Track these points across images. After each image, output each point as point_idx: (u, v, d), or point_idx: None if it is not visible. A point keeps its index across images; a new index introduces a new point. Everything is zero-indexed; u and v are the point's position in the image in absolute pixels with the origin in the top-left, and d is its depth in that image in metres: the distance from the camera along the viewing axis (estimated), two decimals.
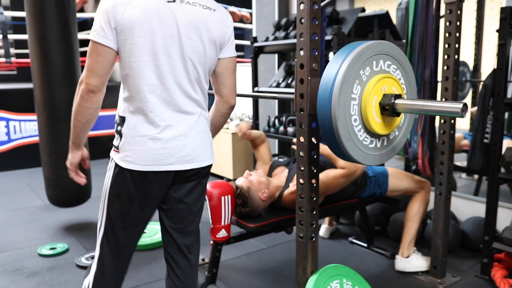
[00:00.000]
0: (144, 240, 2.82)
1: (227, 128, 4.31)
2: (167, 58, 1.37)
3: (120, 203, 1.44)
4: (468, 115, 1.88)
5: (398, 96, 1.35)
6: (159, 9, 1.34)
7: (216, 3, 1.50)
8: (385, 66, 1.38)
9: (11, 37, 5.59)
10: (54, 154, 2.95)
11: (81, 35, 4.03)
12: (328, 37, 2.93)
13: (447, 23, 2.13)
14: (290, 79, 3.53)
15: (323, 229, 2.97)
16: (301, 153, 1.49)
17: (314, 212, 1.54)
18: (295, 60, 1.52)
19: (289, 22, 3.56)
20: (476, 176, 3.40)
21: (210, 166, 1.56)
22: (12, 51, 6.05)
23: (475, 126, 2.56)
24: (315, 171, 1.51)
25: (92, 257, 2.60)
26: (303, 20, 1.41)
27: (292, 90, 2.64)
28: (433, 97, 2.34)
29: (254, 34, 4.24)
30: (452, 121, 2.19)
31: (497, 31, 2.19)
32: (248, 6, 6.70)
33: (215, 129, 1.67)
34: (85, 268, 2.53)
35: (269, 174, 2.39)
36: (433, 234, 2.31)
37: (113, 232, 1.48)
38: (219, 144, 4.34)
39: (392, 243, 2.82)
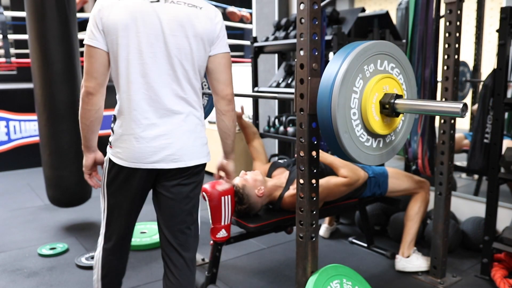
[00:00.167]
0: (144, 240, 2.82)
1: None
2: (152, 57, 1.41)
3: (112, 192, 1.56)
4: (468, 115, 1.88)
5: (398, 96, 1.35)
6: (143, 10, 1.39)
7: (204, 2, 1.51)
8: (385, 66, 1.38)
9: (11, 37, 5.60)
10: (54, 154, 2.95)
11: (81, 35, 4.03)
12: (328, 37, 2.93)
13: (447, 23, 2.13)
14: (290, 79, 3.53)
15: (323, 229, 2.97)
16: (301, 153, 1.49)
17: (314, 212, 1.54)
18: (295, 60, 1.52)
19: (289, 22, 3.56)
20: (476, 176, 3.40)
21: (202, 165, 1.57)
22: (12, 51, 6.05)
23: (475, 126, 2.56)
24: (315, 171, 1.50)
25: (92, 257, 2.61)
26: (303, 20, 1.41)
27: (292, 90, 2.64)
28: (433, 97, 2.34)
29: (254, 34, 4.24)
30: (452, 121, 2.19)
31: (497, 31, 2.19)
32: (248, 6, 6.70)
33: (224, 133, 1.60)
34: (85, 268, 2.54)
35: (269, 175, 2.39)
36: (433, 234, 2.31)
37: (109, 217, 1.60)
38: (219, 144, 4.32)
39: (392, 243, 2.82)
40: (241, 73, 5.00)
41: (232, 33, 9.48)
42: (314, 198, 1.53)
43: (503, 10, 2.15)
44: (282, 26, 3.60)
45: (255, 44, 3.68)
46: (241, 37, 8.96)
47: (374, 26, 3.23)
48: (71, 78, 2.91)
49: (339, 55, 1.32)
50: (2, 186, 4.37)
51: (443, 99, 2.18)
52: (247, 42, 7.23)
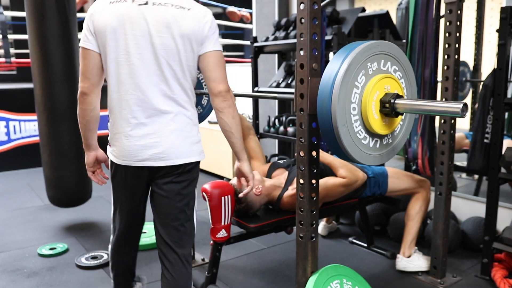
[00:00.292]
0: (144, 240, 2.82)
1: None
2: (139, 58, 1.46)
3: (114, 188, 1.67)
4: (468, 114, 1.88)
5: (398, 96, 1.35)
6: (131, 12, 1.45)
7: (193, 3, 1.53)
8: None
9: (11, 37, 5.60)
10: (54, 154, 2.95)
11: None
12: (328, 37, 2.93)
13: (447, 23, 2.13)
14: (290, 79, 3.53)
15: (321, 227, 2.97)
16: (301, 153, 1.48)
17: (314, 212, 1.54)
18: (295, 60, 1.52)
19: (289, 22, 3.56)
20: (476, 176, 3.40)
21: (194, 163, 1.59)
22: (12, 51, 6.05)
23: (475, 126, 2.56)
24: (315, 171, 1.50)
25: (92, 257, 2.61)
26: (303, 20, 1.41)
27: (292, 90, 2.64)
28: (433, 97, 2.34)
29: (254, 34, 4.24)
30: (452, 121, 2.18)
31: (497, 31, 2.19)
32: (248, 6, 6.69)
33: (226, 131, 1.59)
34: (85, 268, 2.54)
35: (269, 175, 2.38)
36: (433, 234, 2.31)
37: (114, 212, 1.73)
38: (219, 144, 4.33)
39: (392, 243, 2.82)
40: (241, 73, 5.00)
41: (232, 33, 9.49)
42: (314, 198, 1.53)
43: (503, 10, 2.15)
44: (282, 26, 3.60)
45: (255, 44, 3.67)
46: (241, 37, 8.96)
47: (374, 26, 3.23)
48: (71, 78, 2.91)
49: (339, 55, 1.31)
50: (2, 186, 4.37)
51: (443, 99, 2.18)
52: (247, 42, 7.22)
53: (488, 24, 3.54)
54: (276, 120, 3.62)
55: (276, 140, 4.26)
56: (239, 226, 2.15)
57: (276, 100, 4.19)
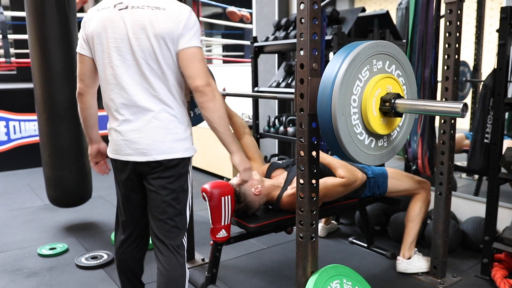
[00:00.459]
0: None
1: None
2: (120, 59, 1.56)
3: (115, 181, 1.77)
4: (468, 114, 1.88)
5: (398, 96, 1.35)
6: (112, 17, 1.56)
7: (171, 2, 1.58)
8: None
9: (11, 37, 5.60)
10: (54, 154, 2.95)
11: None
12: (328, 37, 2.93)
13: (447, 23, 2.13)
14: (290, 79, 3.53)
15: (319, 228, 2.97)
16: (301, 153, 1.48)
17: (314, 212, 1.54)
18: (295, 60, 1.52)
19: (289, 22, 3.56)
20: (476, 176, 3.40)
21: (179, 159, 1.63)
22: (12, 51, 6.05)
23: (475, 126, 2.56)
24: (315, 171, 1.50)
25: (92, 257, 2.61)
26: (303, 20, 1.41)
27: (292, 90, 2.64)
28: (433, 97, 2.34)
29: (254, 34, 4.24)
30: (452, 121, 2.18)
31: (497, 31, 2.19)
32: (248, 6, 6.69)
33: (211, 126, 1.63)
34: (85, 268, 2.54)
35: (268, 175, 2.38)
36: (433, 234, 2.31)
37: (117, 205, 1.81)
38: (219, 144, 4.29)
39: (392, 243, 2.82)
40: (241, 73, 5.00)
41: (232, 33, 9.49)
42: (314, 198, 1.53)
43: (503, 10, 2.15)
44: (282, 26, 3.60)
45: (255, 44, 3.67)
46: (241, 37, 8.96)
47: (374, 26, 3.23)
48: (71, 78, 2.90)
49: (339, 55, 1.32)
50: (2, 186, 4.37)
51: (443, 99, 2.18)
52: (247, 42, 7.22)
53: (488, 24, 3.55)
54: (276, 120, 3.62)
55: (276, 140, 4.26)
56: (239, 226, 2.15)
57: (276, 100, 4.19)
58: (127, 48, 1.54)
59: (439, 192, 2.25)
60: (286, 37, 3.42)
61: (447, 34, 2.13)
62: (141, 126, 1.58)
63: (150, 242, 2.75)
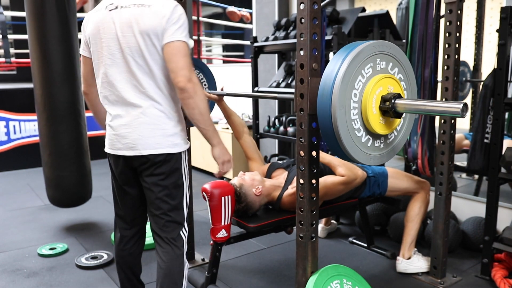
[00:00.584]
0: None
1: (227, 128, 4.31)
2: (111, 57, 1.62)
3: (111, 177, 1.83)
4: (468, 114, 1.87)
5: (398, 96, 1.35)
6: (104, 19, 1.63)
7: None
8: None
9: (11, 37, 5.60)
10: (54, 154, 2.95)
11: (81, 35, 4.03)
12: (328, 37, 2.93)
13: (447, 23, 2.13)
14: (290, 79, 3.53)
15: (319, 229, 2.97)
16: (301, 153, 1.48)
17: (314, 212, 1.54)
18: (295, 60, 1.52)
19: (289, 22, 3.56)
20: (476, 176, 3.40)
21: (166, 155, 1.65)
22: (12, 51, 6.05)
23: (475, 126, 2.56)
24: (315, 171, 1.50)
25: (92, 257, 2.61)
26: (303, 20, 1.41)
27: (292, 90, 2.64)
28: (433, 97, 2.34)
29: (254, 34, 4.24)
30: (453, 121, 2.18)
31: (497, 31, 2.19)
32: (248, 6, 6.69)
33: (191, 120, 1.66)
34: (85, 268, 2.54)
35: (268, 175, 2.38)
36: (433, 234, 2.31)
37: (114, 201, 1.87)
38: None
39: (392, 243, 2.82)
40: (241, 73, 5.00)
41: (232, 33, 9.49)
42: (314, 198, 1.53)
43: (503, 10, 2.15)
44: (282, 26, 3.60)
45: (255, 44, 3.67)
46: (241, 37, 8.96)
47: (374, 26, 3.23)
48: (71, 78, 2.91)
49: (339, 55, 1.32)
50: (2, 186, 4.37)
51: (443, 99, 2.18)
52: (247, 42, 7.22)
53: (488, 24, 3.55)
54: (276, 120, 3.62)
55: (276, 140, 4.25)
56: (239, 226, 2.15)
57: (276, 100, 4.19)
58: (116, 47, 1.60)
59: (439, 192, 2.25)
60: (286, 37, 3.42)
61: (447, 34, 2.13)
62: (130, 121, 1.63)
63: (147, 242, 2.77)
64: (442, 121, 2.20)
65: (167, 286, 1.70)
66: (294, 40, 3.24)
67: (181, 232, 1.75)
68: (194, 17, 6.37)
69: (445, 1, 2.12)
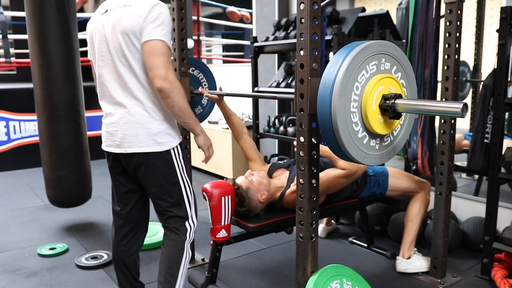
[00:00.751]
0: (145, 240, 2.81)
1: (227, 128, 4.31)
2: (102, 59, 1.70)
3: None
4: (468, 114, 1.87)
5: (398, 96, 1.35)
6: (96, 22, 1.71)
7: None
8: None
9: (11, 37, 5.59)
10: (54, 154, 2.94)
11: (81, 35, 4.03)
12: (328, 37, 2.93)
13: (447, 23, 2.13)
14: (290, 79, 3.53)
15: (320, 229, 2.97)
16: (301, 153, 1.48)
17: (314, 212, 1.54)
18: (295, 60, 1.52)
19: (289, 22, 3.56)
20: (476, 176, 3.40)
21: (151, 153, 1.70)
22: (12, 51, 6.05)
23: (475, 126, 2.56)
24: (315, 171, 1.50)
25: (92, 257, 2.61)
26: (303, 20, 1.41)
27: (292, 90, 2.64)
28: (433, 97, 2.34)
29: (254, 34, 4.24)
30: (453, 121, 2.18)
31: (497, 31, 2.19)
32: (248, 6, 6.69)
33: (175, 118, 1.72)
34: (85, 268, 2.54)
35: (269, 176, 2.37)
36: (433, 234, 2.31)
37: (112, 198, 1.94)
38: (219, 144, 4.34)
39: (392, 243, 2.82)
40: (241, 73, 5.00)
41: (232, 33, 9.49)
42: (314, 198, 1.52)
43: (503, 10, 2.15)
44: (282, 26, 3.60)
45: (255, 44, 3.67)
46: (241, 37, 8.95)
47: (374, 26, 3.23)
48: (71, 78, 2.91)
49: (339, 55, 1.31)
50: (2, 186, 4.37)
51: (443, 99, 2.18)
52: (247, 42, 7.22)
53: (488, 24, 3.54)
54: (276, 120, 3.62)
55: (276, 140, 4.26)
56: (239, 226, 2.15)
57: (276, 100, 4.19)
58: (106, 48, 1.67)
59: (439, 192, 2.25)
60: (286, 37, 3.42)
61: (447, 34, 2.13)
62: (117, 120, 1.70)
63: (147, 242, 2.77)
64: (442, 121, 2.20)
65: (163, 271, 1.76)
66: (294, 40, 3.24)
67: (186, 223, 1.80)
68: (194, 17, 6.36)
69: (445, 1, 2.12)
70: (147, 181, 1.76)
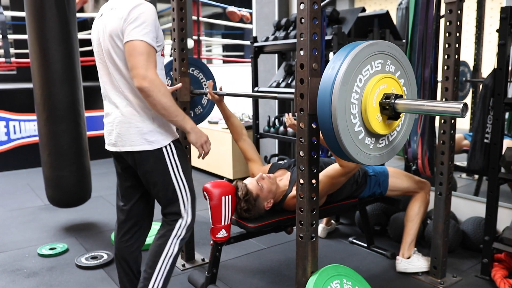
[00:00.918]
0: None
1: (227, 129, 4.30)
2: (99, 62, 1.77)
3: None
4: (468, 114, 1.87)
5: (398, 96, 1.35)
6: (95, 26, 1.78)
7: (122, 2, 1.66)
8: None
9: (11, 37, 5.59)
10: (54, 154, 2.94)
11: (81, 35, 4.02)
12: (328, 37, 2.93)
13: (447, 23, 2.13)
14: (290, 79, 3.53)
15: (320, 229, 2.97)
16: (301, 153, 1.48)
17: (314, 212, 1.54)
18: (295, 60, 1.52)
19: (289, 22, 3.56)
20: (476, 176, 3.40)
21: (143, 152, 1.73)
22: (12, 51, 6.05)
23: (475, 126, 2.56)
24: (315, 171, 1.50)
25: (92, 257, 2.61)
26: (303, 20, 1.41)
27: (292, 90, 2.64)
28: (433, 97, 2.34)
29: (254, 34, 4.24)
30: (453, 121, 2.18)
31: (497, 31, 2.19)
32: (248, 6, 6.69)
33: (161, 116, 1.71)
34: (85, 268, 2.54)
35: None
36: (433, 234, 2.31)
37: (116, 193, 2.00)
38: (219, 144, 4.33)
39: (392, 243, 2.82)
40: (241, 73, 5.00)
41: (232, 33, 9.49)
42: (314, 198, 1.52)
43: (503, 10, 2.15)
44: (282, 26, 3.60)
45: (255, 44, 3.67)
46: (241, 37, 8.95)
47: (374, 26, 3.23)
48: (71, 78, 2.91)
49: (339, 55, 1.31)
50: (2, 186, 4.37)
51: (443, 99, 2.18)
52: (247, 42, 7.22)
53: (488, 24, 3.54)
54: (276, 120, 3.62)
55: (276, 140, 4.26)
56: (239, 226, 2.15)
57: (276, 100, 4.19)
58: (100, 52, 1.74)
59: (439, 192, 2.25)
60: (286, 37, 3.42)
61: (447, 34, 2.13)
62: (113, 119, 1.76)
63: (147, 242, 2.77)
64: (442, 121, 2.19)
65: (147, 263, 1.81)
66: (294, 40, 3.24)
67: (179, 220, 1.83)
68: (194, 17, 6.36)
69: (445, 1, 2.11)
70: (143, 179, 1.81)
